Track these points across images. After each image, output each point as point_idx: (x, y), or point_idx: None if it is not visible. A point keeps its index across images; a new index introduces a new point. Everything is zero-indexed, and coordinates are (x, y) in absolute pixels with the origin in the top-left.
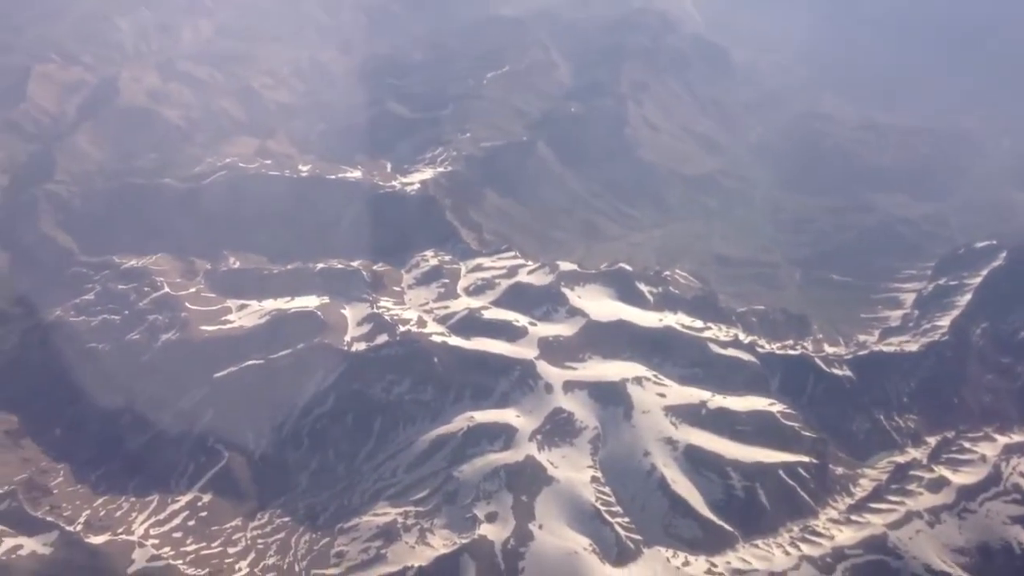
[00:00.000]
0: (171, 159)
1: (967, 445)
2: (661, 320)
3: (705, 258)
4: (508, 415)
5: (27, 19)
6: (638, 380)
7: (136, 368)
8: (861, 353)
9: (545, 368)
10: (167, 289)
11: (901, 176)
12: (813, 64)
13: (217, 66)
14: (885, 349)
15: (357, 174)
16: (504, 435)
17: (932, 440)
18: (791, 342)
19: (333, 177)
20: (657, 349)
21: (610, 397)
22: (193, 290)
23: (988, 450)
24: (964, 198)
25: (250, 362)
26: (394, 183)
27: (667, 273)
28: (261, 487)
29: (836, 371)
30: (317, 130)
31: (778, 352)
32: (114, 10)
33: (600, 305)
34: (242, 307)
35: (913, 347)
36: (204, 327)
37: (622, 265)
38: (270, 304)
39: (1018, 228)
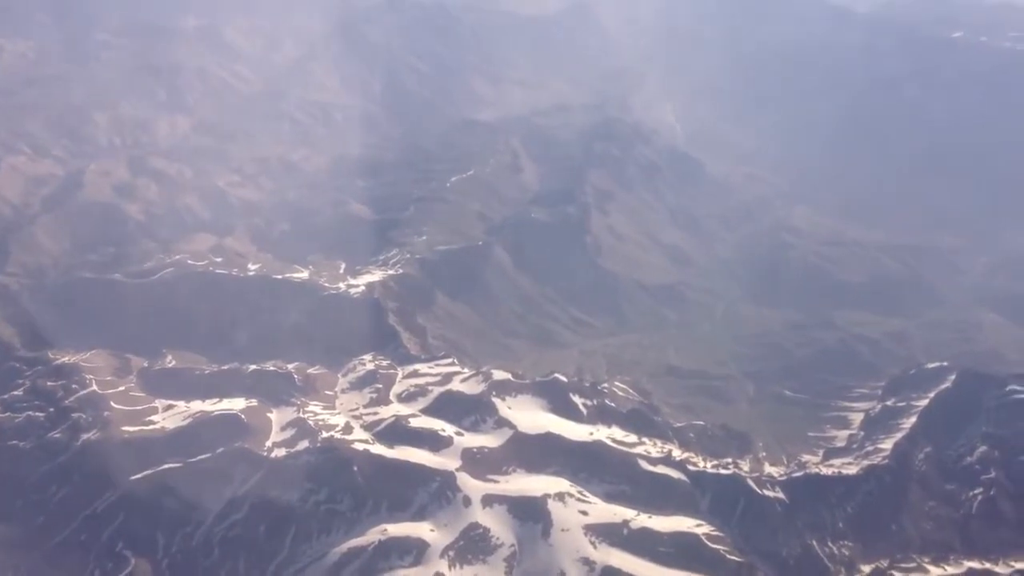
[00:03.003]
0: (126, 254)
1: None
2: (592, 434)
3: (656, 369)
4: (422, 529)
5: (1, 112)
6: (560, 496)
7: (53, 468)
8: (796, 475)
9: (465, 480)
10: (94, 387)
11: (867, 292)
12: (789, 177)
13: (188, 162)
14: (822, 471)
15: (304, 275)
16: (416, 550)
17: (867, 568)
18: (729, 460)
19: (279, 277)
20: (584, 464)
21: (529, 513)
22: (122, 388)
23: None
24: (932, 317)
25: (167, 465)
26: (340, 285)
27: (604, 385)
28: None
29: (768, 493)
30: (278, 229)
31: (710, 471)
32: (92, 104)
33: (530, 416)
34: (168, 407)
35: (852, 470)
36: (126, 427)
37: (556, 376)
38: (197, 405)
39: (982, 349)
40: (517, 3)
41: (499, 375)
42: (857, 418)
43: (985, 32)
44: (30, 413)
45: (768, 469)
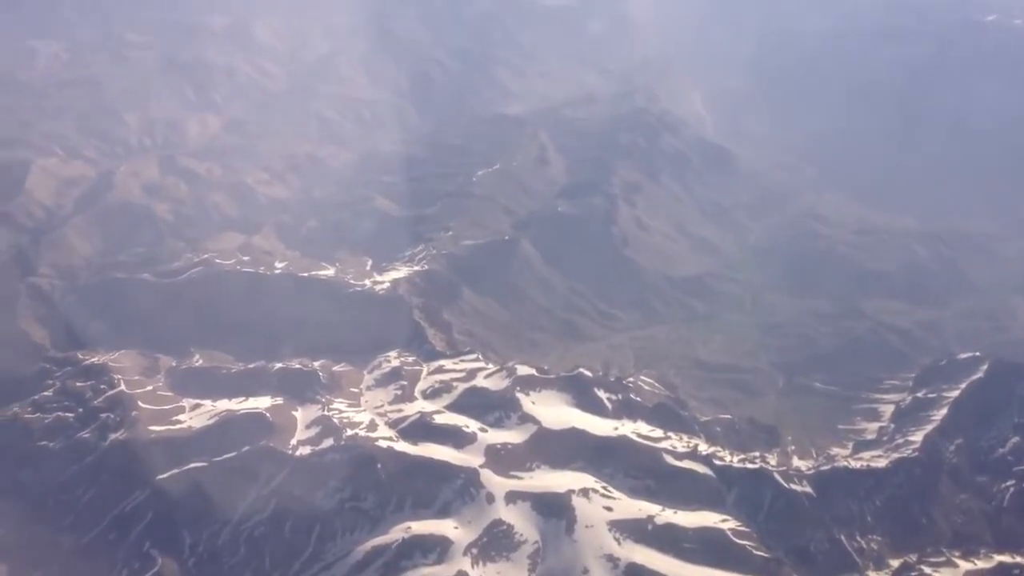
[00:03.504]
0: (156, 254)
1: (927, 571)
2: (616, 429)
3: (684, 362)
4: (446, 526)
5: (35, 114)
6: (584, 492)
7: (82, 468)
8: (824, 468)
9: (489, 477)
10: (123, 387)
11: (899, 281)
12: (819, 164)
13: (217, 160)
14: (850, 465)
15: (330, 272)
16: (439, 547)
17: (895, 562)
18: (757, 454)
19: (305, 275)
20: (609, 459)
21: (553, 509)
22: (150, 388)
23: None
24: (964, 305)
25: (193, 464)
26: (365, 282)
27: (630, 379)
28: None
29: (796, 487)
30: (306, 226)
31: (736, 465)
32: (122, 106)
33: (554, 412)
34: (196, 407)
35: (882, 463)
36: (153, 427)
37: (581, 370)
38: (223, 404)
39: (1016, 337)
40: None
41: (523, 370)
42: (888, 410)
43: (1021, 15)
44: (59, 413)
45: (796, 463)
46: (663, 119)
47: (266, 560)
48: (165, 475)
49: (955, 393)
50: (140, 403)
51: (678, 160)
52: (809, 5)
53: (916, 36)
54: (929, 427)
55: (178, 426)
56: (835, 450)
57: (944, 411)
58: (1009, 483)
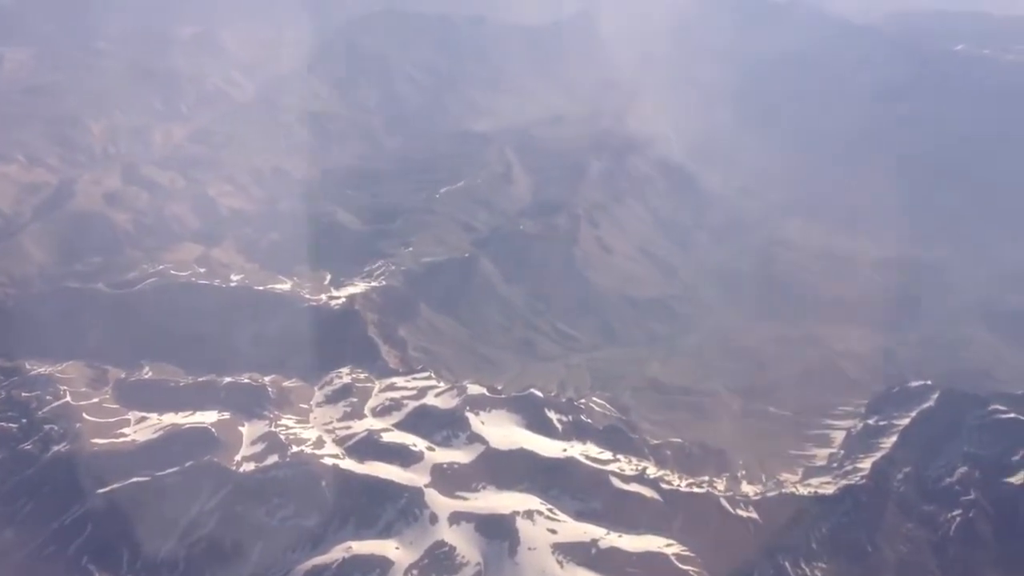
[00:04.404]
0: (112, 264)
1: None
2: (565, 450)
3: (640, 384)
4: (387, 546)
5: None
6: (529, 514)
7: (23, 480)
8: (770, 494)
9: (434, 497)
10: (68, 399)
11: (856, 307)
12: (785, 189)
13: (180, 171)
14: (797, 491)
15: (286, 286)
16: (379, 568)
17: None
18: (705, 478)
19: (260, 289)
20: (556, 481)
21: (497, 531)
22: (96, 400)
23: None
24: (921, 333)
25: (135, 479)
26: (321, 297)
27: (581, 401)
28: None
29: (742, 512)
30: (267, 239)
31: (683, 489)
32: (87, 113)
33: (503, 432)
34: (141, 420)
35: (830, 489)
36: (97, 440)
37: (532, 391)
38: (169, 418)
39: (970, 367)
40: (516, 14)
41: (474, 390)
42: (839, 436)
43: (989, 45)
44: (3, 424)
45: (745, 488)
46: (630, 141)
47: None
48: (106, 489)
49: (905, 421)
50: (85, 415)
51: (643, 182)
52: (781, 31)
53: (888, 65)
54: (878, 454)
55: (122, 439)
56: (785, 475)
57: (894, 439)
58: (956, 513)
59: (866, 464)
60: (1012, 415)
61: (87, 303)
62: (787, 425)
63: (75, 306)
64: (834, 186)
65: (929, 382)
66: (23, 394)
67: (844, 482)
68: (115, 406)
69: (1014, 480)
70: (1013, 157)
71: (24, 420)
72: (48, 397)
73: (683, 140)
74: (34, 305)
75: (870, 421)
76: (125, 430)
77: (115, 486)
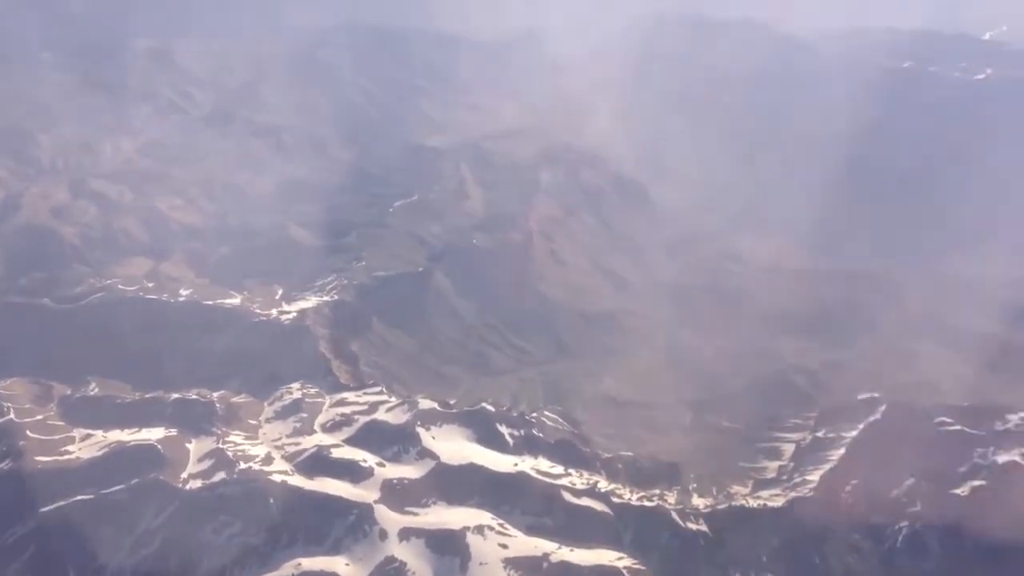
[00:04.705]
0: (59, 278)
1: None
2: (516, 465)
3: (593, 398)
4: (337, 563)
5: None
6: (480, 529)
7: None
8: (720, 507)
9: (383, 513)
10: (11, 416)
11: (806, 321)
12: (738, 204)
13: (130, 184)
14: (747, 504)
15: (236, 301)
16: None
17: None
18: (657, 492)
19: (210, 303)
20: (507, 496)
21: (447, 547)
22: (40, 417)
23: None
24: (870, 346)
25: (79, 497)
26: (271, 312)
27: (533, 415)
28: None
29: (692, 525)
30: (217, 253)
31: (634, 503)
32: (36, 126)
33: (454, 447)
34: (86, 437)
35: (779, 502)
36: (40, 457)
37: (484, 405)
38: (115, 435)
39: (918, 379)
40: (471, 29)
41: (425, 404)
42: (789, 449)
43: (936, 62)
44: None
45: (696, 501)
46: (583, 155)
47: None
48: (49, 507)
49: (853, 434)
50: (28, 432)
51: (596, 196)
52: (733, 48)
53: (839, 83)
54: (826, 467)
55: (66, 457)
56: (736, 488)
57: (842, 451)
58: (903, 524)
59: (815, 477)
60: (958, 427)
61: (32, 318)
62: (738, 438)
63: (20, 321)
64: (785, 200)
65: (876, 395)
66: None
67: (793, 494)
68: (60, 423)
69: (960, 492)
70: (962, 172)
71: None
72: None
73: (636, 154)
74: None
75: (819, 434)
76: (70, 447)
77: (59, 504)
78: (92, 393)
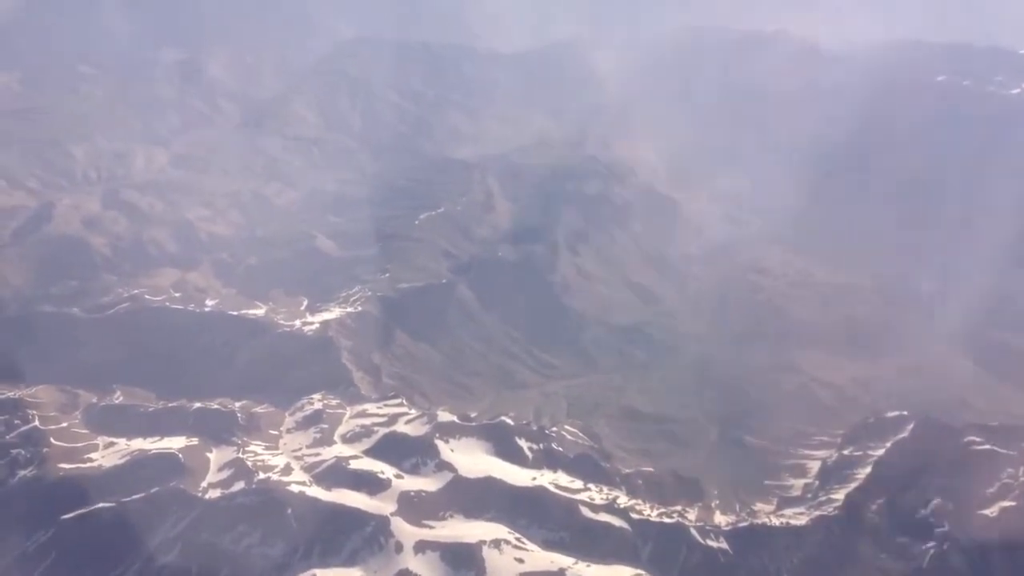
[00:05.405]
0: (88, 288)
1: None
2: (535, 479)
3: (617, 412)
4: (352, 575)
5: None
6: (496, 543)
7: None
8: (741, 525)
9: (400, 525)
10: (37, 423)
11: (836, 336)
12: (769, 217)
13: (160, 195)
14: (770, 522)
15: (260, 311)
16: None
17: None
18: (679, 508)
19: (234, 314)
20: (524, 510)
21: (462, 560)
22: (65, 425)
23: None
24: (900, 362)
25: (100, 504)
26: (295, 322)
27: (553, 429)
28: None
29: (712, 543)
30: (244, 264)
31: (653, 519)
32: (69, 137)
33: (473, 460)
34: (109, 445)
35: (803, 520)
36: (63, 465)
37: (503, 419)
38: (137, 443)
39: (948, 397)
40: (500, 41)
41: (444, 417)
42: (815, 466)
43: (969, 76)
44: None
45: (718, 518)
46: (612, 168)
47: None
48: (71, 515)
49: (880, 452)
50: (53, 440)
51: (625, 209)
52: (767, 61)
53: (874, 96)
54: (852, 485)
55: (88, 464)
56: (759, 506)
57: (868, 470)
58: (930, 544)
59: (840, 495)
60: (988, 447)
61: (62, 327)
62: (763, 455)
63: (49, 330)
64: (817, 214)
65: (905, 412)
66: None
67: (817, 513)
68: (84, 431)
69: (988, 512)
70: (996, 187)
71: None
72: (17, 421)
73: (667, 167)
74: (8, 328)
75: (845, 451)
76: (93, 455)
77: (80, 512)
78: (117, 401)
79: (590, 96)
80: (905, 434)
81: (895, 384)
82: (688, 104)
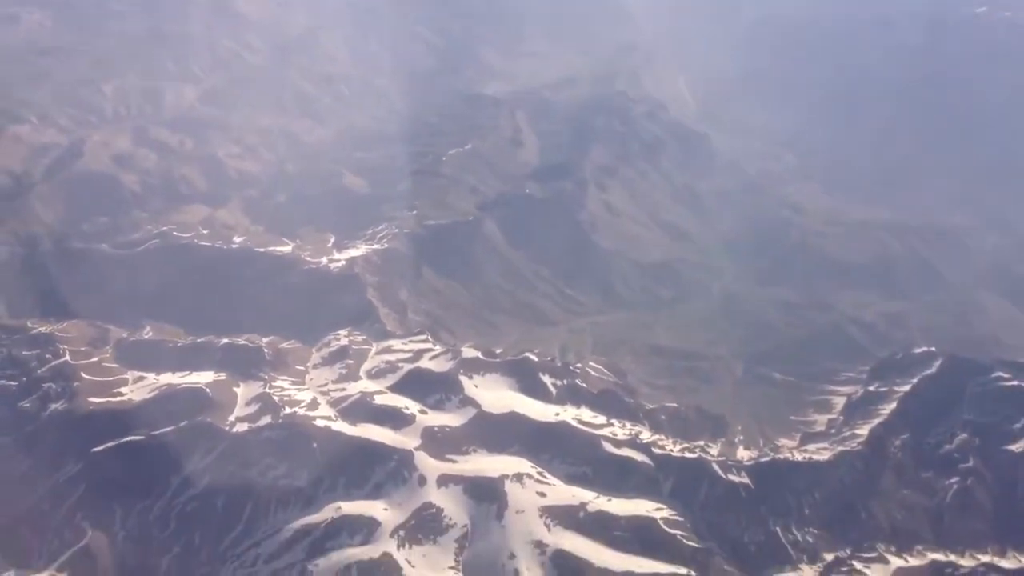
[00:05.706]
0: (118, 225)
1: (858, 566)
2: (558, 414)
3: (643, 348)
4: (376, 507)
5: (12, 81)
6: (519, 477)
7: (19, 438)
8: (763, 460)
9: (423, 460)
10: (67, 358)
11: (868, 273)
12: (800, 154)
13: (190, 132)
14: (792, 457)
15: (287, 248)
16: (366, 528)
17: (830, 556)
18: (701, 443)
19: (261, 250)
20: (547, 445)
21: (485, 494)
22: (96, 359)
23: (879, 574)
24: (933, 299)
25: (130, 437)
26: (321, 259)
27: (578, 365)
28: (120, 569)
29: (733, 477)
30: (274, 200)
31: (675, 454)
32: (100, 75)
33: (496, 396)
34: (139, 379)
35: (825, 455)
36: (93, 398)
37: (527, 355)
38: (166, 378)
39: (980, 333)
40: None
41: (469, 353)
42: (840, 402)
43: (1010, 6)
44: (3, 382)
45: (740, 453)
46: (641, 103)
47: (196, 536)
48: (100, 448)
49: (906, 387)
50: (83, 374)
51: (654, 145)
52: None
53: (906, 29)
54: (877, 421)
55: (119, 398)
56: (783, 441)
57: (893, 405)
58: (953, 480)
59: (864, 430)
60: (1015, 383)
61: (92, 263)
62: (789, 391)
63: (80, 266)
64: (850, 150)
65: (933, 348)
66: (24, 352)
67: (841, 448)
68: (114, 365)
69: (1014, 448)
70: None
71: (24, 378)
72: (48, 356)
73: (698, 102)
74: (39, 265)
75: (871, 387)
76: (123, 389)
77: (110, 444)
78: (146, 337)
79: (620, 32)
80: (932, 370)
81: (927, 321)
82: (719, 40)
